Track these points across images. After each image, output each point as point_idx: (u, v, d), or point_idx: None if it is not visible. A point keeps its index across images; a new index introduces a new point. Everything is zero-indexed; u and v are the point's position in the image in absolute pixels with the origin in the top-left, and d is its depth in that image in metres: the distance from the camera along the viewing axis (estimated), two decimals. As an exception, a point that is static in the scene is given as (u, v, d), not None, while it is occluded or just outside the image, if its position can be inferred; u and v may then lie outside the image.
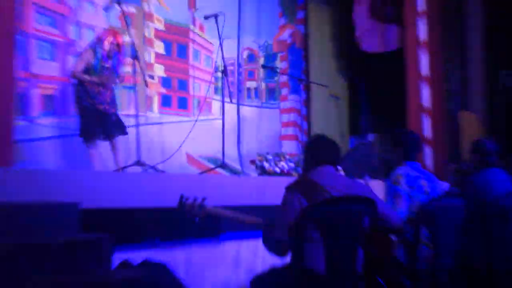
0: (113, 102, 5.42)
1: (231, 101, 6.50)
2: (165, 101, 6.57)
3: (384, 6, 7.36)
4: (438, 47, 7.39)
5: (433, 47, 7.15)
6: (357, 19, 7.10)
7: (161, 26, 6.61)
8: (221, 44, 5.70)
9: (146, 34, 6.47)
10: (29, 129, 5.30)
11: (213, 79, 6.95)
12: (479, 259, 4.01)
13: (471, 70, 7.51)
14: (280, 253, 3.04)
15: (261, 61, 7.65)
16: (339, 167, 5.54)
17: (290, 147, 7.58)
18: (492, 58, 7.63)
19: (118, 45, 5.33)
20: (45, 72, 5.55)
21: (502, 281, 3.92)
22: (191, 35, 6.90)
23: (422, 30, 6.54)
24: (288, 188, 3.02)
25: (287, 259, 3.05)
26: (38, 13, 5.49)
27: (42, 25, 5.52)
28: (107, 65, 5.27)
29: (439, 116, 7.17)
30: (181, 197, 3.27)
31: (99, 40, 5.30)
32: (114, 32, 5.45)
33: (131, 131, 5.35)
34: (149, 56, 6.48)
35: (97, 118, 5.25)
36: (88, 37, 5.82)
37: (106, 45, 5.25)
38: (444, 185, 5.43)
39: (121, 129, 5.43)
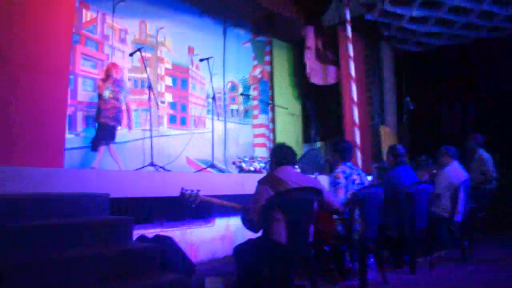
0: (115, 118, 5.24)
1: (218, 119, 6.45)
2: (172, 119, 6.49)
3: (325, 52, 7.38)
4: (363, 81, 7.46)
5: (360, 81, 7.20)
6: (307, 61, 7.10)
7: (169, 66, 6.56)
8: (211, 78, 5.67)
9: (159, 71, 6.41)
10: (75, 140, 5.29)
11: (205, 103, 6.89)
12: (394, 230, 4.02)
13: (387, 97, 7.59)
14: (254, 230, 3.01)
15: (240, 90, 7.61)
16: (296, 166, 5.52)
17: (261, 152, 7.53)
18: (400, 89, 7.74)
19: (114, 73, 5.21)
20: (87, 100, 5.51)
21: (410, 244, 3.94)
22: (190, 72, 6.84)
23: (352, 69, 6.56)
24: (259, 182, 3.00)
25: (260, 233, 3.02)
26: (84, 59, 5.51)
27: (86, 67, 5.53)
28: (111, 89, 5.16)
29: (365, 129, 7.22)
30: (182, 189, 3.21)
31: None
32: (112, 64, 5.36)
33: (147, 141, 5.27)
34: (161, 87, 6.42)
35: (100, 130, 5.15)
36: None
37: (104, 74, 5.21)
38: (370, 178, 5.45)
39: (111, 137, 5.24)
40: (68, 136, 5.07)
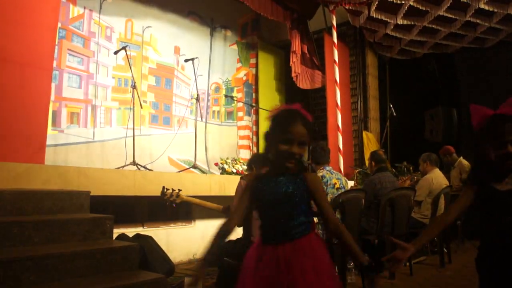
0: None
1: (201, 120, 6.45)
2: (154, 119, 6.47)
3: (311, 57, 7.46)
4: (348, 87, 7.56)
5: (345, 86, 7.31)
6: (292, 65, 7.15)
7: (153, 66, 6.53)
8: (196, 79, 5.68)
9: (143, 71, 6.38)
10: (60, 137, 5.22)
11: (189, 104, 6.89)
12: (374, 234, 4.09)
13: (370, 103, 7.70)
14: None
15: (224, 92, 7.62)
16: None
17: (244, 154, 7.56)
18: (384, 95, 7.87)
19: None
20: (73, 96, 5.47)
21: (390, 250, 4.00)
22: (175, 72, 6.82)
23: (337, 75, 6.66)
24: (242, 178, 3.05)
25: (240, 234, 3.05)
26: (70, 55, 5.47)
27: (72, 63, 5.49)
28: None
29: (348, 134, 7.31)
30: (163, 188, 3.23)
31: None
32: None
33: (129, 140, 5.26)
34: (144, 87, 6.38)
35: None
36: (103, 72, 5.83)
37: None
38: (350, 182, 5.53)
39: None
40: (52, 132, 5.05)
